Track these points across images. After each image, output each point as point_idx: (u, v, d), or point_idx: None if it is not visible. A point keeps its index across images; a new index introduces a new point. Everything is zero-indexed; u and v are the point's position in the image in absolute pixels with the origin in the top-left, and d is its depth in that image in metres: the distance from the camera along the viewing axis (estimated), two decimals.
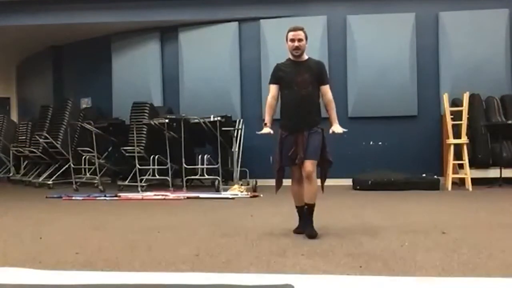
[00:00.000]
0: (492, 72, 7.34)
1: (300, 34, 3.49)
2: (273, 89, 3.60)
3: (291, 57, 3.58)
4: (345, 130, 3.51)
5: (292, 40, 3.49)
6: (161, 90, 8.61)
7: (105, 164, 7.85)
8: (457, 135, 6.60)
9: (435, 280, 2.37)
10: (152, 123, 6.98)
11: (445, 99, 6.76)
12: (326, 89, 3.59)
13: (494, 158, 6.85)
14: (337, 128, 3.53)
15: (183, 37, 8.37)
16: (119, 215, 4.82)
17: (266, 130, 3.55)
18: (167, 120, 6.81)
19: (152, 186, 7.12)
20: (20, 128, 9.32)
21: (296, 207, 3.67)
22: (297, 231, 3.60)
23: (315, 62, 3.62)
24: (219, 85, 8.01)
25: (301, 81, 3.47)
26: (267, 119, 3.59)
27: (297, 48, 3.49)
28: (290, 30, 3.53)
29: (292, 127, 3.49)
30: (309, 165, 3.42)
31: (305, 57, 3.57)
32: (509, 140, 6.92)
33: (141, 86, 8.54)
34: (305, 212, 3.52)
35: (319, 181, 3.60)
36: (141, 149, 7.16)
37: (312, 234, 3.40)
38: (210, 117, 6.85)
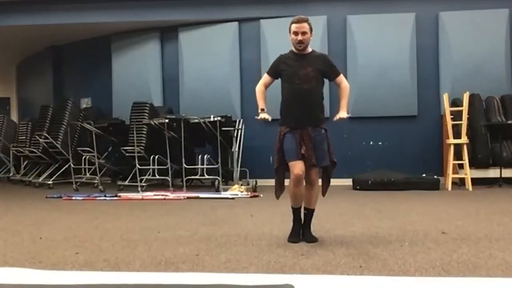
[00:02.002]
0: (492, 72, 7.35)
1: (305, 27, 3.24)
2: (267, 79, 3.44)
3: (294, 49, 3.35)
4: (349, 115, 3.41)
5: (296, 33, 3.25)
6: (161, 90, 8.62)
7: (105, 164, 7.85)
8: (457, 135, 6.60)
9: (435, 280, 2.37)
10: (152, 123, 6.98)
11: (445, 99, 6.76)
12: (341, 79, 3.42)
13: (494, 158, 6.85)
14: (342, 113, 3.36)
15: (183, 37, 8.38)
16: (119, 215, 4.82)
17: (265, 115, 3.37)
18: (167, 120, 6.81)
19: (152, 186, 7.13)
20: (20, 128, 9.32)
21: (293, 208, 3.39)
22: (293, 240, 3.31)
23: (319, 56, 3.41)
24: (219, 85, 8.01)
25: (303, 75, 3.24)
26: (262, 104, 3.41)
27: (300, 42, 3.25)
28: (293, 22, 3.28)
29: (294, 123, 3.27)
30: (314, 173, 3.30)
31: (309, 49, 3.35)
32: (509, 140, 6.92)
33: (141, 86, 8.55)
34: (305, 218, 3.40)
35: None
36: (141, 149, 7.16)
37: (313, 241, 3.29)
38: (210, 117, 6.85)
